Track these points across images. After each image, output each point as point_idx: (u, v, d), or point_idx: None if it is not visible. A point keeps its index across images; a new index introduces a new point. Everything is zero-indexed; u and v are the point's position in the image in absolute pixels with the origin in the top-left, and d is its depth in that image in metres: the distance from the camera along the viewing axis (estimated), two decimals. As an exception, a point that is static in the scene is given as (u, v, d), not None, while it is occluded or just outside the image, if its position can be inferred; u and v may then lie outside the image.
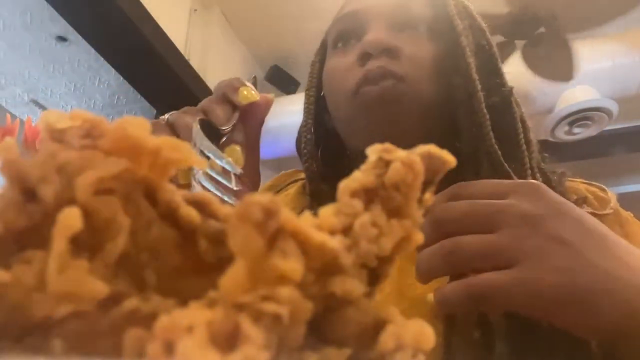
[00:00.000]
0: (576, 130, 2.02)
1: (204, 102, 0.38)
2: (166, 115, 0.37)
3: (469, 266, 0.30)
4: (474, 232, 0.30)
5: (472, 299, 0.29)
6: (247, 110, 0.38)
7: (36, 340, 0.11)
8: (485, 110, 0.43)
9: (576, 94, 1.97)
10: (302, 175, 0.58)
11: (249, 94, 0.38)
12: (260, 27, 2.35)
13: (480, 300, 0.29)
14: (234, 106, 0.38)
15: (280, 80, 2.54)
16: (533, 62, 1.75)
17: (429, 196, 0.15)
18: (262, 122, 0.40)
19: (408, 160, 0.14)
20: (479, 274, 0.29)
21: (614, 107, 1.94)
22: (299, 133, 0.54)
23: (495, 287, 0.28)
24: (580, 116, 1.95)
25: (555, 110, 2.02)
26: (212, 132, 0.35)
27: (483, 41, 0.48)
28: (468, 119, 0.43)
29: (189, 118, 0.35)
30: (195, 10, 2.13)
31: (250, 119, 0.39)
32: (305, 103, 0.53)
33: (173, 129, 0.35)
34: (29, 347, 0.11)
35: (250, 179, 0.40)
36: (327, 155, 0.52)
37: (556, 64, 1.73)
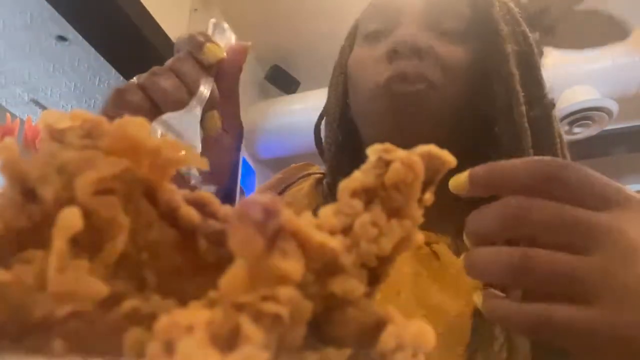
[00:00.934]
0: (576, 130, 2.02)
1: (172, 62, 0.34)
2: (135, 79, 0.33)
3: (538, 285, 0.25)
4: (555, 245, 0.24)
5: (541, 329, 0.24)
6: (217, 66, 0.36)
7: (36, 340, 0.11)
8: (526, 125, 0.40)
9: (576, 94, 1.97)
10: (313, 169, 0.57)
11: (216, 49, 0.35)
12: (260, 27, 2.35)
13: (550, 332, 0.24)
14: (202, 65, 0.35)
15: (280, 80, 2.54)
16: (568, 42, 1.68)
17: (429, 196, 0.15)
18: (239, 70, 0.38)
19: (408, 161, 0.14)
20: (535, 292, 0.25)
21: (614, 107, 1.94)
22: (324, 122, 0.51)
23: (579, 325, 0.23)
24: (580, 116, 1.95)
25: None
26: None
27: (526, 47, 0.44)
28: (508, 132, 0.41)
29: (163, 81, 0.33)
30: (196, 10, 2.13)
31: (224, 72, 0.37)
32: (332, 91, 0.50)
33: (146, 93, 0.33)
34: (29, 346, 0.11)
35: (231, 131, 0.39)
36: (346, 149, 0.49)
37: (600, 29, 1.65)
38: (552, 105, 0.43)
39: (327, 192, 0.47)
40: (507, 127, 0.41)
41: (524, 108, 0.41)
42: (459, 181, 0.28)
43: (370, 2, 0.50)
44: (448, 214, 0.39)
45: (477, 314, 0.37)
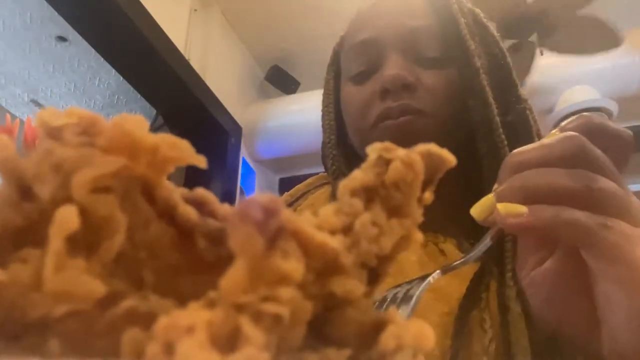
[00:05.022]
0: (576, 130, 2.02)
1: None
2: None
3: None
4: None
5: (549, 226, 0.25)
6: None
7: (33, 340, 0.11)
8: (502, 137, 0.42)
9: (576, 94, 1.98)
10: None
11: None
12: (260, 27, 2.35)
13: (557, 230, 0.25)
14: None
15: (280, 80, 2.54)
16: (564, 46, 1.70)
17: (428, 195, 0.15)
18: None
19: (408, 159, 0.14)
20: None
21: (614, 107, 1.94)
22: (324, 150, 0.54)
23: (584, 227, 0.25)
24: (580, 116, 1.95)
25: (555, 110, 2.03)
26: None
27: (496, 50, 0.47)
28: (486, 145, 0.43)
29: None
30: (195, 10, 2.13)
31: None
32: (325, 120, 0.53)
33: None
34: (25, 346, 0.11)
35: None
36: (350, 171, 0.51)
37: (594, 36, 1.67)
38: (526, 108, 0.45)
39: None
40: (485, 140, 0.43)
41: (498, 119, 0.43)
42: (484, 206, 0.29)
43: (349, 39, 0.51)
44: (453, 216, 0.40)
45: (464, 302, 0.38)
